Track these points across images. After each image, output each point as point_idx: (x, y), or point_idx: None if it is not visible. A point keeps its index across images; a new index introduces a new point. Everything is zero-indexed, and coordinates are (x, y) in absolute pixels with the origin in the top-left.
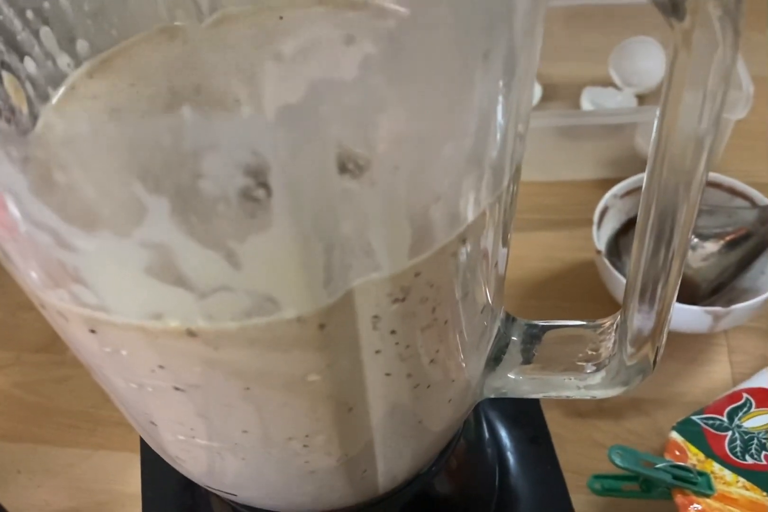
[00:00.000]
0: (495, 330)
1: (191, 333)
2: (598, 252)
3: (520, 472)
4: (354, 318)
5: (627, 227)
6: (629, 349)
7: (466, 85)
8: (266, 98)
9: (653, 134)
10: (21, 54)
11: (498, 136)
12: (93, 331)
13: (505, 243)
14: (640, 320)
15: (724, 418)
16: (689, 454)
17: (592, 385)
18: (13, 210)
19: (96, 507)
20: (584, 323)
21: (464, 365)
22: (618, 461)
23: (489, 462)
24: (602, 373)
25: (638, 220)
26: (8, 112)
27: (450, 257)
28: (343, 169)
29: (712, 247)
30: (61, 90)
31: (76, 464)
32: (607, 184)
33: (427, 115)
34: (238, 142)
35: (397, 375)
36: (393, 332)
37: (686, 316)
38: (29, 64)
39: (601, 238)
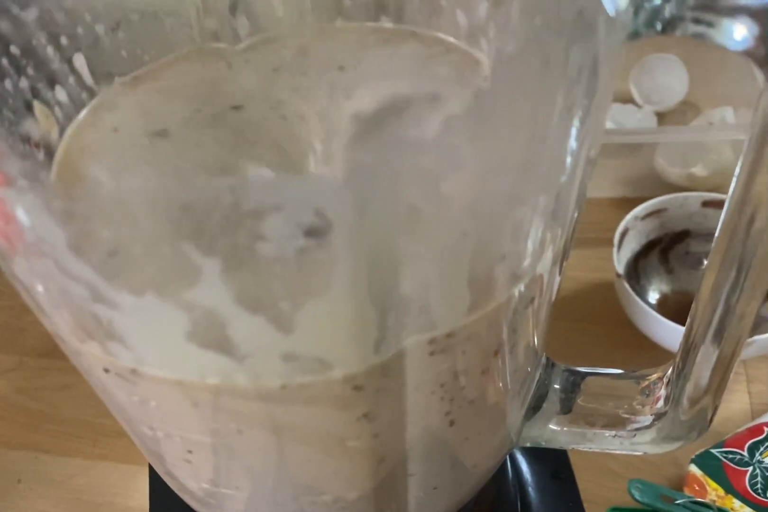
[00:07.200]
0: (537, 377)
1: (229, 390)
2: (619, 275)
3: (541, 508)
4: (401, 376)
5: (647, 249)
6: (685, 404)
7: (545, 138)
8: (338, 157)
9: (737, 172)
10: (52, 82)
11: (572, 180)
12: (111, 372)
13: (560, 274)
14: (705, 370)
15: (745, 453)
16: (709, 489)
17: (639, 442)
18: (47, 262)
19: None
20: (625, 373)
21: (506, 415)
22: (637, 495)
23: (511, 498)
24: (652, 431)
25: (714, 249)
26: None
27: (505, 309)
28: (409, 232)
29: None
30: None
31: (77, 475)
32: (625, 202)
33: (502, 175)
34: (302, 203)
35: (439, 427)
36: (440, 386)
37: None
38: (60, 93)
39: (620, 260)
